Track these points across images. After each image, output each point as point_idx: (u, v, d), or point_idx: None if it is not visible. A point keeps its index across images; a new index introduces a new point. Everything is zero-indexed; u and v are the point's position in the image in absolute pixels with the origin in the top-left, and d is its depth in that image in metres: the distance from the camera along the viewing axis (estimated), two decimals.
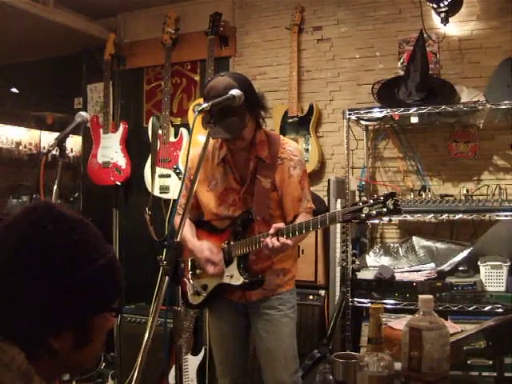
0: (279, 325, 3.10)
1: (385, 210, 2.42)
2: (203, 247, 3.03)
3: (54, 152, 2.86)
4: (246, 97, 2.80)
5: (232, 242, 3.02)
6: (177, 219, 3.24)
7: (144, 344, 1.97)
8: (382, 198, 2.44)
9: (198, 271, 3.17)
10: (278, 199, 3.04)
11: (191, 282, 3.21)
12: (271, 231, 2.76)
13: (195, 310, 3.40)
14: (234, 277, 3.01)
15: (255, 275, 3.00)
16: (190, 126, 4.90)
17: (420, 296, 1.83)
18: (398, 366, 1.84)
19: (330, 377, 1.87)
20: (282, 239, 2.73)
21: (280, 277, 3.12)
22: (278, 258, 3.05)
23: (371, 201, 2.46)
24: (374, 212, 2.44)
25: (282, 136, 3.23)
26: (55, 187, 2.78)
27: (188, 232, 3.16)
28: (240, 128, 2.87)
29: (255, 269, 3.03)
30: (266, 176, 3.00)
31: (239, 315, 3.20)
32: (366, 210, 2.46)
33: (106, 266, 1.37)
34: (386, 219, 2.61)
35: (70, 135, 2.92)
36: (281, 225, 2.78)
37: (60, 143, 2.82)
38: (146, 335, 1.98)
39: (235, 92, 2.59)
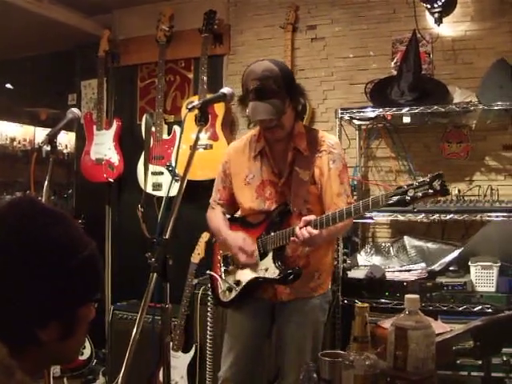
0: (305, 328, 3.02)
1: (431, 191, 2.34)
2: (238, 236, 3.00)
3: (47, 148, 2.86)
4: (286, 82, 2.83)
5: (267, 235, 2.96)
6: (209, 213, 3.24)
7: (131, 341, 1.98)
8: (428, 180, 2.36)
9: (230, 267, 3.13)
10: (317, 193, 2.96)
11: (223, 278, 3.16)
12: (301, 224, 2.71)
13: (225, 308, 3.32)
14: (269, 270, 2.94)
15: (292, 267, 2.91)
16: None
17: (406, 295, 1.83)
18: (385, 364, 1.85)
19: (314, 375, 1.87)
20: (310, 229, 2.68)
21: (314, 279, 3.05)
22: (315, 258, 3.00)
23: (416, 183, 2.38)
24: (420, 194, 2.36)
25: (321, 130, 3.20)
26: (46, 183, 2.78)
27: (222, 223, 3.14)
28: (281, 111, 2.83)
29: (291, 266, 2.94)
30: (305, 168, 2.94)
31: (264, 319, 3.13)
32: (411, 193, 2.38)
33: (90, 257, 1.39)
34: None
35: (64, 132, 2.92)
36: (311, 217, 2.72)
37: (51, 139, 2.83)
38: (134, 332, 1.99)
39: (226, 90, 2.60)
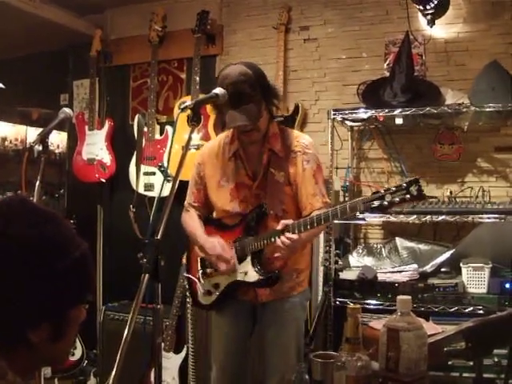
0: (287, 327, 3.03)
1: (408, 196, 2.32)
2: (215, 244, 2.95)
3: (39, 148, 2.85)
4: (261, 85, 2.82)
5: (244, 238, 2.94)
6: (184, 216, 3.21)
7: (123, 341, 1.97)
8: (404, 185, 2.34)
9: (208, 270, 3.09)
10: (292, 194, 2.96)
11: (202, 281, 3.12)
12: (279, 227, 2.70)
13: (206, 311, 3.31)
14: (248, 274, 2.92)
15: (271, 271, 2.91)
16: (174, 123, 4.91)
17: (398, 297, 1.84)
18: (377, 365, 1.85)
19: (306, 376, 1.87)
20: (288, 234, 2.67)
21: (293, 278, 3.05)
22: (293, 258, 2.97)
23: (393, 188, 2.36)
24: (397, 199, 2.34)
25: (295, 130, 3.18)
26: (37, 183, 2.78)
27: (198, 228, 3.10)
28: (257, 116, 2.83)
29: (270, 268, 2.93)
30: (280, 169, 2.94)
31: (247, 320, 3.14)
32: (388, 198, 2.36)
33: (81, 258, 1.38)
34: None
35: (56, 131, 2.91)
36: (289, 221, 2.72)
37: (43, 139, 2.82)
38: (125, 332, 1.98)
39: (218, 90, 2.60)
